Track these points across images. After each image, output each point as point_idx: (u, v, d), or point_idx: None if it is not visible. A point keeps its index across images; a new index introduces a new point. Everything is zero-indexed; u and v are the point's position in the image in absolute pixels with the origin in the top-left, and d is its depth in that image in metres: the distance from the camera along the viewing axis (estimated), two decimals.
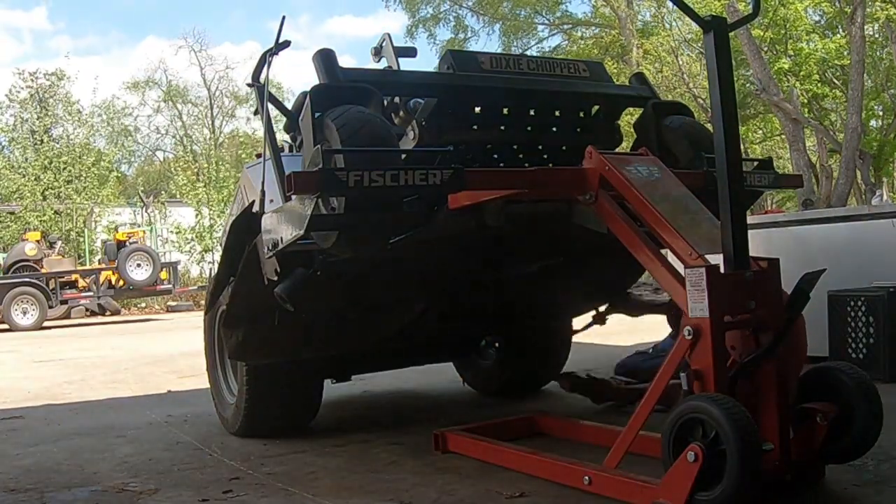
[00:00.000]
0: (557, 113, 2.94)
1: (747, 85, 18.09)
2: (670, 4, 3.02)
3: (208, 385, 3.97)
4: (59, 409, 4.76)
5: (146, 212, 20.83)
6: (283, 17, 2.85)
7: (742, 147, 5.28)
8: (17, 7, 43.33)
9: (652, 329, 7.36)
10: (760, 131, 22.47)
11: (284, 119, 3.28)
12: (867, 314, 4.02)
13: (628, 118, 4.24)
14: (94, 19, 42.75)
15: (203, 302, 5.84)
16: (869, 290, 4.09)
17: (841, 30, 17.61)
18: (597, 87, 3.02)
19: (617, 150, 3.08)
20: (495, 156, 2.88)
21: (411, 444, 3.18)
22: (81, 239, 20.27)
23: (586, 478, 2.33)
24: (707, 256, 2.21)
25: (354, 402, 4.56)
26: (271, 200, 2.87)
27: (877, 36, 18.83)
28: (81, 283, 15.67)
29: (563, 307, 3.96)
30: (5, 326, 14.37)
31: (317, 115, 2.44)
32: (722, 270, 2.19)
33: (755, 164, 3.02)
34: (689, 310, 2.13)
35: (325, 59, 2.65)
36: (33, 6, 46.39)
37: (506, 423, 3.29)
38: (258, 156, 3.53)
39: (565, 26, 24.49)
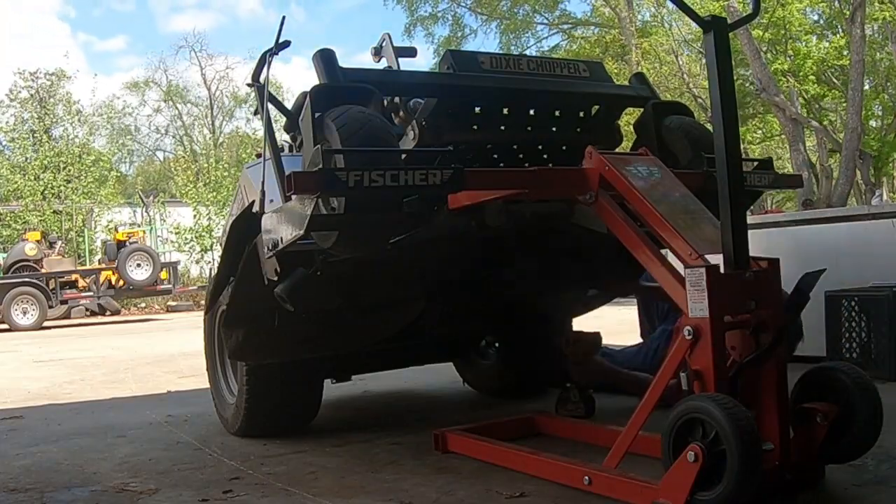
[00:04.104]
0: (557, 113, 2.94)
1: (747, 85, 18.10)
2: (670, 4, 3.03)
3: (208, 385, 3.97)
4: (59, 409, 4.76)
5: (146, 212, 20.83)
6: (283, 18, 2.86)
7: (742, 147, 5.29)
8: (94, 34, 49.61)
9: None
10: (760, 131, 22.48)
11: (284, 119, 3.28)
12: (860, 314, 4.04)
13: (628, 118, 4.24)
14: (163, 44, 46.77)
15: (203, 302, 5.84)
16: (863, 289, 4.11)
17: (840, 30, 17.62)
18: (597, 87, 3.02)
19: (617, 150, 3.08)
20: (495, 156, 2.88)
21: (411, 444, 3.18)
22: (81, 239, 20.28)
23: (586, 478, 2.33)
24: (707, 256, 2.21)
25: (354, 402, 4.56)
26: (271, 200, 2.87)
27: (876, 36, 18.85)
28: (81, 283, 15.69)
29: (564, 307, 3.96)
30: (5, 326, 14.38)
31: (317, 115, 2.44)
32: (722, 270, 2.20)
33: (755, 164, 3.02)
34: (689, 310, 2.13)
35: (326, 59, 2.65)
36: (116, 34, 53.01)
37: (506, 423, 3.29)
38: (258, 156, 3.53)
39: (565, 26, 24.50)
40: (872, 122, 20.24)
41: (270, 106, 3.00)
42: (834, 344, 4.18)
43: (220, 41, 54.33)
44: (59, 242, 17.66)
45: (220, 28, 46.62)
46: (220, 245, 4.74)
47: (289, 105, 3.20)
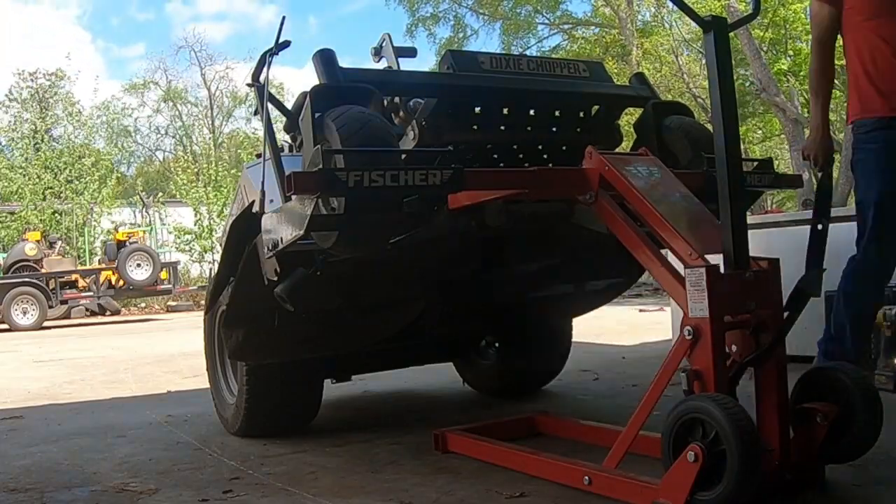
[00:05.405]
0: (557, 113, 2.94)
1: (747, 85, 18.09)
2: (670, 4, 3.02)
3: (208, 385, 3.97)
4: (59, 409, 4.76)
5: (146, 212, 20.83)
6: (284, 18, 2.86)
7: (742, 147, 5.28)
8: (114, 41, 50.97)
9: (652, 329, 7.39)
10: (760, 131, 22.46)
11: (284, 119, 3.28)
12: None
13: (628, 118, 4.24)
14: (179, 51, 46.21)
15: (203, 302, 5.84)
16: None
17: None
18: (597, 87, 3.02)
19: (617, 150, 3.08)
20: (495, 156, 2.88)
21: (411, 444, 3.18)
22: (81, 239, 20.28)
23: (586, 478, 2.33)
24: (707, 256, 2.21)
25: (354, 402, 4.56)
26: (271, 200, 2.87)
27: None
28: (81, 283, 15.69)
29: (563, 307, 3.95)
30: (5, 326, 14.38)
31: (317, 115, 2.44)
32: (722, 270, 2.20)
33: (755, 164, 3.02)
34: (689, 310, 2.13)
35: (325, 59, 2.64)
36: (136, 42, 54.37)
37: (506, 423, 3.29)
38: (258, 156, 3.53)
39: (565, 26, 24.48)
40: None
41: (270, 106, 3.00)
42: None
43: (236, 49, 55.65)
44: (59, 242, 17.66)
45: (236, 36, 47.76)
46: (220, 245, 4.74)
47: (289, 105, 3.20)
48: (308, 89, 2.54)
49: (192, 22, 50.24)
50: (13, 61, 44.52)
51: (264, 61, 2.91)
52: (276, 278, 2.74)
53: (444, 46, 23.05)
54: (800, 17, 17.46)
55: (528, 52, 21.67)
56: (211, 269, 18.86)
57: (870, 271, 3.35)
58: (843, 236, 4.61)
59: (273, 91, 2.97)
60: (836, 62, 3.53)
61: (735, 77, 5.17)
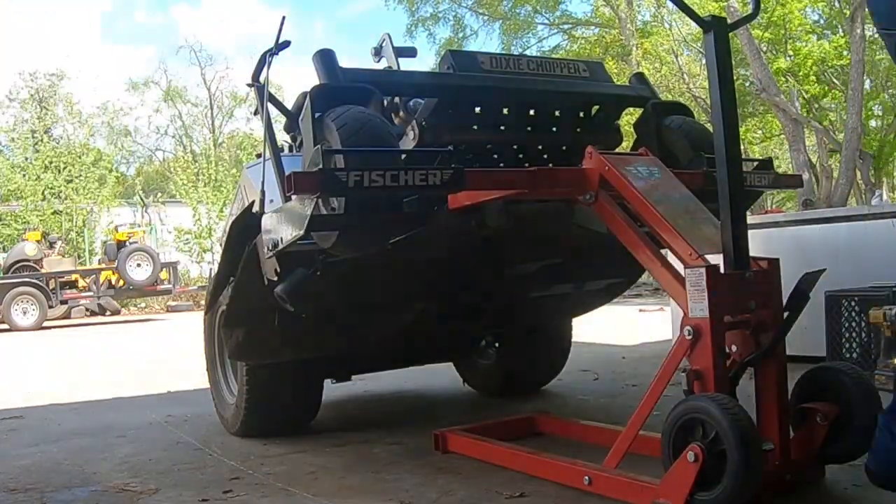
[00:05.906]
0: (557, 113, 2.94)
1: (747, 85, 18.10)
2: (670, 4, 3.02)
3: (208, 385, 3.97)
4: (59, 409, 4.76)
5: (146, 212, 20.82)
6: (283, 18, 2.86)
7: (742, 147, 5.29)
8: (123, 42, 50.54)
9: (652, 329, 7.38)
10: (760, 131, 22.48)
11: (284, 119, 3.28)
12: (860, 314, 4.02)
13: (628, 118, 4.24)
14: (184, 53, 47.18)
15: (203, 302, 5.84)
16: (862, 290, 4.10)
17: (841, 30, 17.63)
18: (597, 87, 3.02)
19: (617, 150, 3.08)
20: (495, 156, 2.88)
21: (411, 444, 3.19)
22: (81, 239, 20.27)
23: (586, 478, 2.33)
24: (707, 256, 2.21)
25: (354, 402, 4.56)
26: (271, 200, 2.87)
27: (876, 36, 18.83)
28: (81, 283, 15.68)
29: (563, 307, 3.95)
30: (5, 326, 14.38)
31: (317, 115, 2.44)
32: (722, 270, 2.20)
33: (755, 164, 3.02)
34: (689, 310, 2.13)
35: (326, 59, 2.65)
36: (144, 44, 53.82)
37: (506, 423, 3.29)
38: (258, 156, 3.53)
39: (565, 26, 24.48)
40: (872, 122, 20.23)
41: (270, 106, 3.00)
42: (834, 344, 4.17)
43: (242, 52, 56.58)
44: (59, 242, 17.65)
45: (240, 38, 47.84)
46: (220, 245, 4.74)
47: (289, 105, 3.20)
48: (308, 89, 2.54)
49: (198, 23, 50.53)
50: (26, 62, 44.72)
51: (264, 61, 2.91)
52: (276, 278, 2.75)
53: (444, 46, 23.04)
54: (798, 17, 17.48)
55: (528, 52, 21.66)
56: (211, 269, 18.85)
57: None
58: (842, 236, 4.64)
59: (272, 91, 2.97)
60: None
61: (735, 77, 5.18)
